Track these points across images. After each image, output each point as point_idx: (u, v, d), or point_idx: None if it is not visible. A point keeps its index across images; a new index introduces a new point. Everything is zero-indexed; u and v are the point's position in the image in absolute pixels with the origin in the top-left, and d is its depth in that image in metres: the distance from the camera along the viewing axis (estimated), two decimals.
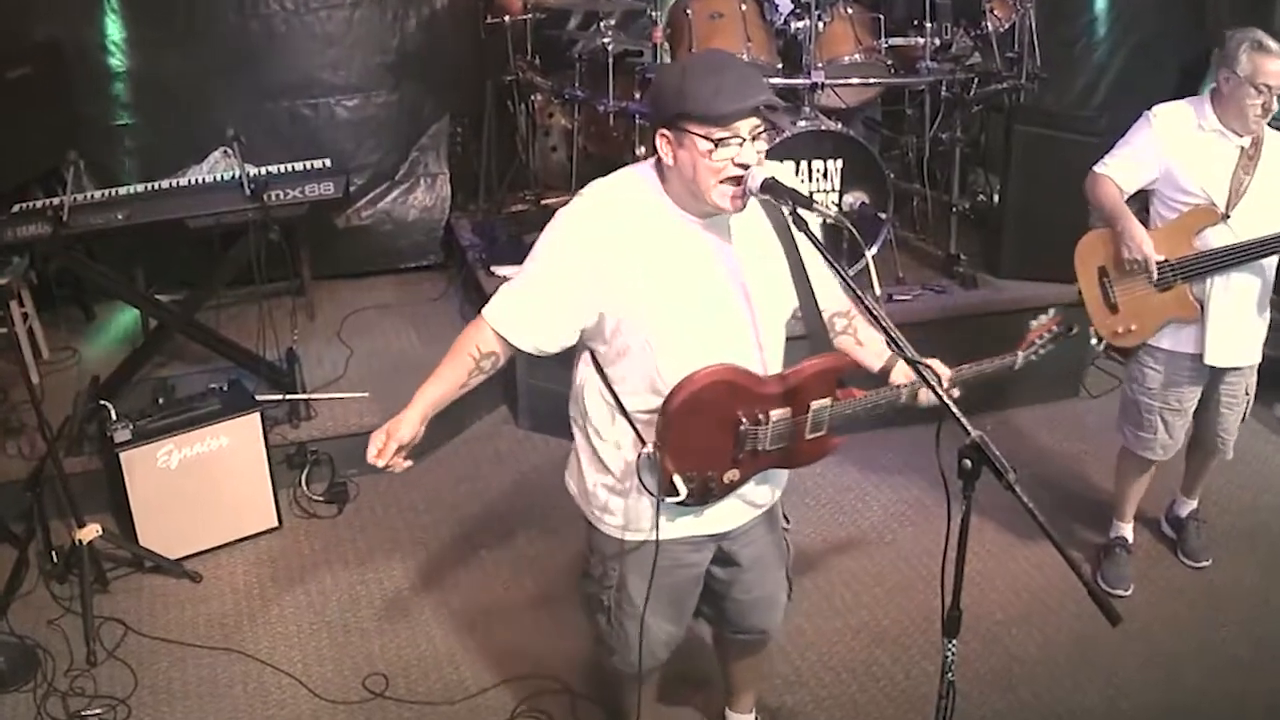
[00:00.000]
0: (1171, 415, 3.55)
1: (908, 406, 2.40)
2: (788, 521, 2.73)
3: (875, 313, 2.03)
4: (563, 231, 2.26)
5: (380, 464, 2.25)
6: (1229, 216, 3.27)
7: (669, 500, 2.27)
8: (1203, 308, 3.36)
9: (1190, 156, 3.31)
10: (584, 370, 2.41)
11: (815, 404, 2.30)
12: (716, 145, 2.08)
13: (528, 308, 2.30)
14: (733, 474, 2.34)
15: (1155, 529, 4.03)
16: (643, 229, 2.22)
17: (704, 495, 2.34)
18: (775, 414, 2.28)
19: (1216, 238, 3.31)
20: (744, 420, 2.26)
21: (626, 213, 2.23)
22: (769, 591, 2.70)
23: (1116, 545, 3.84)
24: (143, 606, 3.66)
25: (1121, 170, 3.41)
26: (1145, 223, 3.44)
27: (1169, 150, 3.33)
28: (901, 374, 2.42)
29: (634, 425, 2.31)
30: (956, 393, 2.30)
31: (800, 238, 2.24)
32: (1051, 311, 2.65)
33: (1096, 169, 3.46)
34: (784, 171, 2.20)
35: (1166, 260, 3.34)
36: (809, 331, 2.36)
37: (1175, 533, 3.97)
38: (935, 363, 2.33)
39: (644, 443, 2.28)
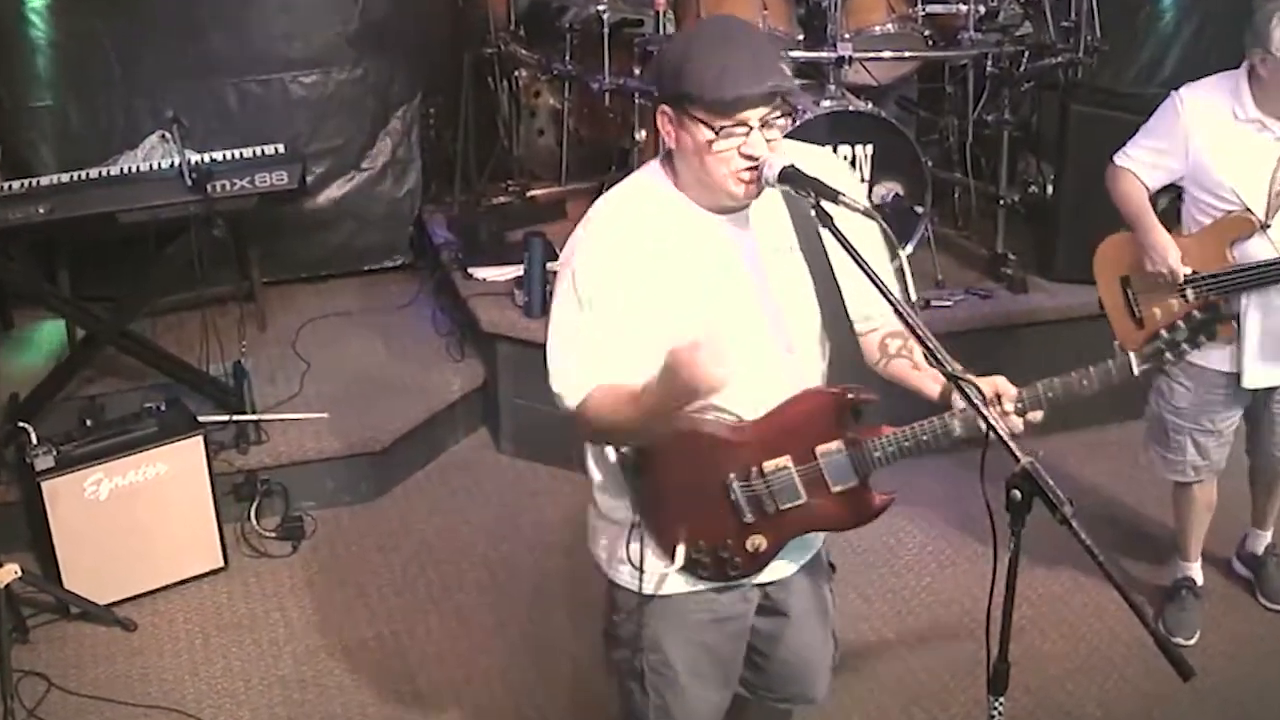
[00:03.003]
0: (1204, 437, 3.55)
1: (967, 439, 2.21)
2: (833, 569, 2.70)
3: (910, 321, 2.04)
4: (581, 254, 2.25)
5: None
6: (1269, 226, 3.22)
7: (665, 570, 2.32)
8: (1239, 325, 3.30)
9: (1223, 150, 3.26)
10: None
11: (822, 449, 2.25)
12: (718, 134, 2.08)
13: (595, 350, 2.23)
14: (757, 540, 2.32)
15: (1228, 568, 4.05)
16: (665, 230, 2.22)
17: (720, 569, 2.34)
18: (770, 465, 2.26)
19: (1255, 249, 3.26)
20: (732, 476, 2.26)
21: (645, 215, 2.25)
22: (817, 651, 2.66)
23: (1182, 587, 3.86)
24: (68, 659, 3.67)
25: (1144, 163, 3.40)
26: (1177, 216, 3.42)
27: (1199, 141, 3.29)
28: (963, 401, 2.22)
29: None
30: (1037, 416, 2.19)
31: (828, 236, 2.19)
32: (1190, 294, 2.28)
33: (1117, 159, 3.45)
34: (826, 157, 2.17)
35: (1196, 273, 3.30)
36: (834, 348, 2.34)
37: (1251, 571, 3.98)
38: (998, 380, 2.18)
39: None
